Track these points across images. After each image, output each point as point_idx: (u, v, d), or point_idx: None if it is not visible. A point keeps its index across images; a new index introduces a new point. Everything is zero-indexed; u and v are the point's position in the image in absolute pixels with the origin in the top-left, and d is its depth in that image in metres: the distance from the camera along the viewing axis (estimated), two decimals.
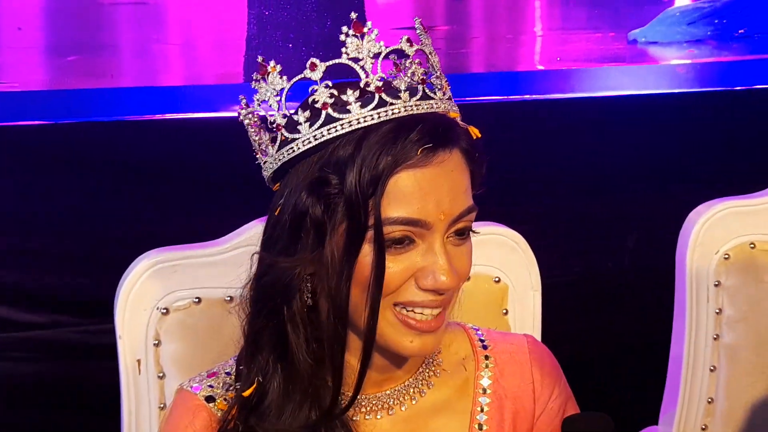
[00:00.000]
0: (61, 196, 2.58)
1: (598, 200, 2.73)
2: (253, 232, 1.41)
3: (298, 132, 1.04)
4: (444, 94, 1.07)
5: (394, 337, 1.06)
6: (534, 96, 3.05)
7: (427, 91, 1.06)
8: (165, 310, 1.41)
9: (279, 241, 1.07)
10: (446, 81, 1.09)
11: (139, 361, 1.41)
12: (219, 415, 1.12)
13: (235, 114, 1.11)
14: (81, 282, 2.46)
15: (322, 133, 1.03)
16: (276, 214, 1.07)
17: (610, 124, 2.85)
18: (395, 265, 1.03)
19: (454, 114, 1.08)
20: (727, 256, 1.63)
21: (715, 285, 1.63)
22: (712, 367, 1.65)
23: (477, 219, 1.12)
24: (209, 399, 1.13)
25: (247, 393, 1.09)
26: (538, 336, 1.49)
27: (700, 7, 3.80)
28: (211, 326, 1.41)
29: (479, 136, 1.09)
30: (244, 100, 1.09)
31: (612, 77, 3.40)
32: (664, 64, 3.70)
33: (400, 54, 1.05)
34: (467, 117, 1.12)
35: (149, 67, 3.70)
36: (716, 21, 3.75)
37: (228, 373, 1.14)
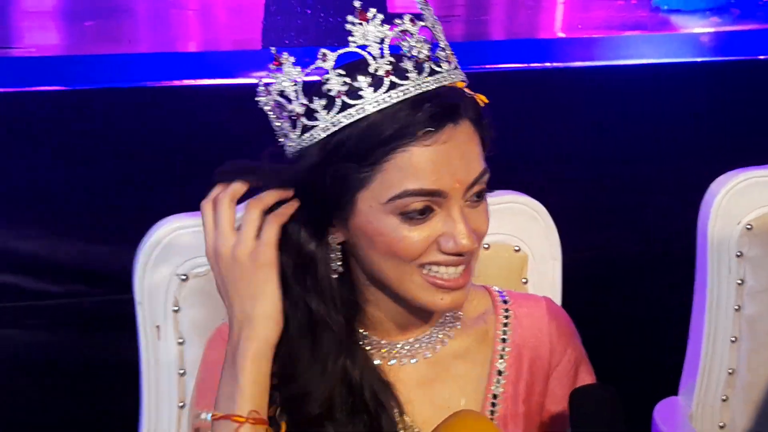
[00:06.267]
0: (76, 163, 2.58)
1: (619, 170, 2.71)
2: None
3: (317, 119, 1.09)
4: (450, 64, 1.12)
5: (426, 298, 1.13)
6: (555, 64, 3.02)
7: (432, 66, 1.10)
8: (184, 277, 1.41)
9: (300, 214, 1.12)
10: (450, 50, 1.13)
11: (158, 327, 1.42)
12: None
13: (253, 80, 1.14)
14: (98, 250, 2.46)
15: (339, 119, 1.09)
16: (297, 189, 1.12)
17: (632, 92, 2.82)
18: (418, 234, 1.10)
19: (461, 83, 1.13)
20: (749, 226, 1.61)
21: (737, 256, 1.62)
22: (733, 338, 1.64)
23: (497, 188, 1.17)
24: None
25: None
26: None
27: None
28: None
29: (487, 102, 1.14)
30: (263, 87, 1.13)
31: (633, 45, 3.36)
32: (686, 32, 3.65)
33: (406, 34, 1.09)
34: (487, 85, 1.15)
35: (166, 33, 3.68)
36: None
37: None
